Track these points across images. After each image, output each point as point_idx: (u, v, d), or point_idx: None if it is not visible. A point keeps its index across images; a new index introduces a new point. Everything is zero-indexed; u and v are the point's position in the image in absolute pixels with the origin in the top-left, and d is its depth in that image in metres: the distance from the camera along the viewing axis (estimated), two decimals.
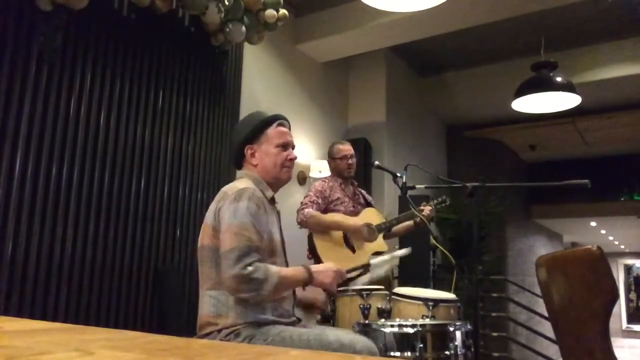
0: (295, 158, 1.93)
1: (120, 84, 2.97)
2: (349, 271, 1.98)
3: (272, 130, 1.87)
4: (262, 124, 1.87)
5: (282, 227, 1.93)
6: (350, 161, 3.15)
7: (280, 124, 1.90)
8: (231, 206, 1.69)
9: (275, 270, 1.67)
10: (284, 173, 1.89)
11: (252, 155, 1.86)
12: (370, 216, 3.06)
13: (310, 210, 2.89)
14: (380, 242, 3.00)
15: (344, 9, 4.52)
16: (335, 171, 3.18)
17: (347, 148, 3.18)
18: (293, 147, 1.92)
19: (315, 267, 1.79)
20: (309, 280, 1.75)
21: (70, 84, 2.71)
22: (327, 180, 3.13)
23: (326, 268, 1.81)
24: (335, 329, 1.89)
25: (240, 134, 1.89)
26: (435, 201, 3.14)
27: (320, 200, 2.98)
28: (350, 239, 2.96)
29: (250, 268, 1.60)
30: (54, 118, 2.62)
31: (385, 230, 3.02)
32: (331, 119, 5.21)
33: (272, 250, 1.77)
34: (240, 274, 1.59)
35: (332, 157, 3.19)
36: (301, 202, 3.00)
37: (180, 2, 3.07)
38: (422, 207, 2.94)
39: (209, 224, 1.75)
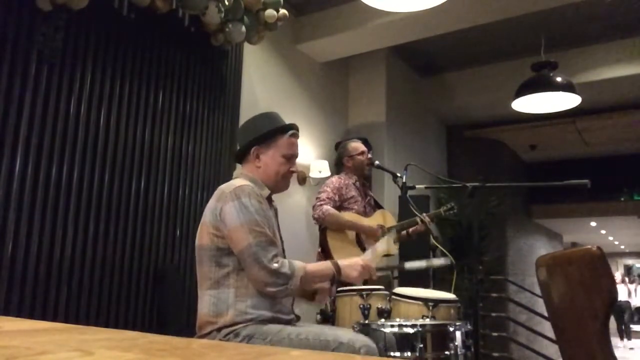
0: (296, 171, 1.94)
1: (120, 84, 2.97)
2: (379, 269, 1.97)
3: (283, 140, 1.86)
4: (276, 130, 1.86)
5: (280, 226, 1.93)
6: (368, 155, 3.19)
7: (293, 135, 1.88)
8: (234, 204, 1.69)
9: (301, 265, 1.70)
10: (284, 184, 1.90)
11: (257, 157, 1.86)
12: (383, 218, 3.09)
13: (328, 208, 2.88)
14: (390, 245, 3.04)
15: (344, 9, 4.52)
16: (354, 168, 3.16)
17: (360, 144, 3.22)
18: (296, 157, 1.92)
19: (342, 262, 1.80)
20: (337, 274, 1.76)
21: (70, 84, 2.71)
22: (342, 178, 3.11)
23: (354, 262, 1.81)
24: (334, 328, 1.88)
25: (250, 133, 1.88)
26: (444, 208, 3.17)
27: (336, 197, 2.97)
28: (363, 240, 2.98)
29: (276, 264, 1.63)
30: (54, 118, 2.62)
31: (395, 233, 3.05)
32: (331, 119, 5.21)
33: None
34: (270, 268, 1.62)
35: (349, 156, 3.17)
36: (317, 197, 2.99)
37: (180, 2, 3.07)
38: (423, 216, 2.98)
39: (207, 222, 1.74)
